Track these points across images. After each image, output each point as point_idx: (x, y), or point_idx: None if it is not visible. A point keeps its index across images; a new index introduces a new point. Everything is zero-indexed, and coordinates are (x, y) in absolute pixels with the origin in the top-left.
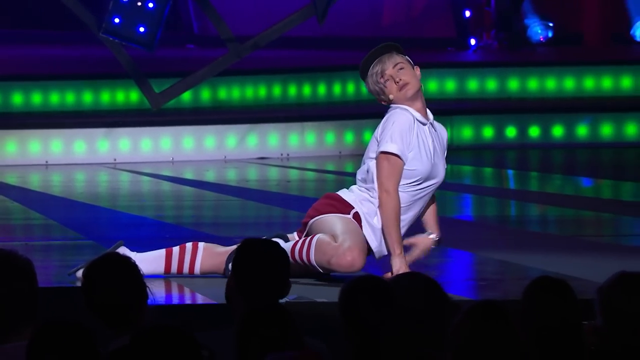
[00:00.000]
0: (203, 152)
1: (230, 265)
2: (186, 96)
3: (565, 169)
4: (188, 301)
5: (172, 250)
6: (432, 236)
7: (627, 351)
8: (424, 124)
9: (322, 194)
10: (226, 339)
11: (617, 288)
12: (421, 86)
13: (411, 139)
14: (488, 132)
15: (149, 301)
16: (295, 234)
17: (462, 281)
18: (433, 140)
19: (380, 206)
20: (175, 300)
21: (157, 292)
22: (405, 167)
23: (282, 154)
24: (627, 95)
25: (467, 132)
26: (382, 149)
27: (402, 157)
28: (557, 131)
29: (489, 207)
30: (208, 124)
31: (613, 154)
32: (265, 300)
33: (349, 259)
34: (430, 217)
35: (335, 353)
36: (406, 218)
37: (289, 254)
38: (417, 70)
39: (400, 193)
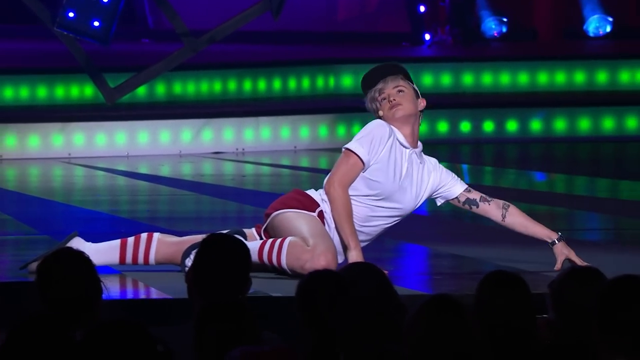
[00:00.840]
0: (158, 146)
1: (187, 260)
2: (141, 91)
3: (519, 163)
4: (143, 296)
5: (126, 240)
6: (555, 240)
7: (578, 345)
8: (406, 147)
9: (277, 188)
10: (183, 334)
11: (568, 282)
12: (417, 115)
13: (380, 149)
14: (442, 126)
15: (103, 296)
16: (253, 229)
17: (417, 275)
18: (410, 167)
19: (330, 201)
20: (130, 295)
21: (112, 286)
22: (368, 176)
23: (237, 149)
24: (580, 90)
25: (421, 127)
26: (348, 145)
27: (363, 162)
28: (511, 126)
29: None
30: (163, 119)
31: (566, 149)
32: (225, 296)
33: (323, 263)
34: (536, 228)
35: (292, 347)
36: (362, 231)
37: (257, 255)
38: (422, 102)
39: (358, 204)
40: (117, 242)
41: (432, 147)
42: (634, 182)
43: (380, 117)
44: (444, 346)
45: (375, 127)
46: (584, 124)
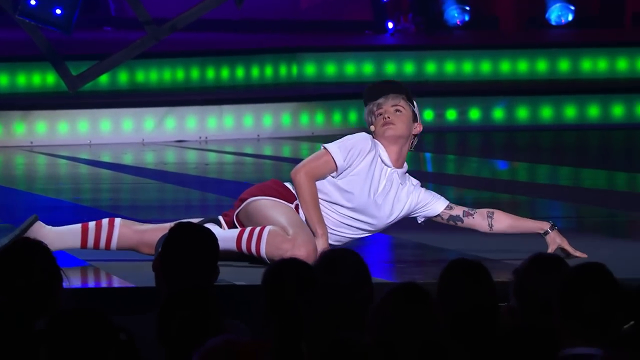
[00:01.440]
0: (121, 135)
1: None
2: (103, 79)
3: (481, 151)
4: (105, 284)
5: (87, 225)
6: (547, 230)
7: (536, 331)
8: (387, 166)
9: (241, 177)
10: (147, 323)
11: (531, 269)
12: (409, 138)
13: (357, 161)
14: None
15: (64, 285)
16: (220, 217)
17: (381, 263)
18: (388, 185)
19: (296, 188)
20: (92, 283)
21: (73, 275)
22: (342, 186)
23: (200, 137)
24: (542, 79)
25: None
26: (327, 145)
27: (337, 166)
28: (474, 114)
29: None
30: (126, 107)
31: (529, 137)
32: (192, 285)
33: (303, 254)
34: (526, 224)
35: (258, 336)
36: (330, 233)
37: (235, 243)
38: (419, 127)
39: (330, 210)
40: (78, 226)
41: None
42: (596, 170)
43: (371, 132)
44: (410, 335)
45: (359, 139)
46: (546, 113)
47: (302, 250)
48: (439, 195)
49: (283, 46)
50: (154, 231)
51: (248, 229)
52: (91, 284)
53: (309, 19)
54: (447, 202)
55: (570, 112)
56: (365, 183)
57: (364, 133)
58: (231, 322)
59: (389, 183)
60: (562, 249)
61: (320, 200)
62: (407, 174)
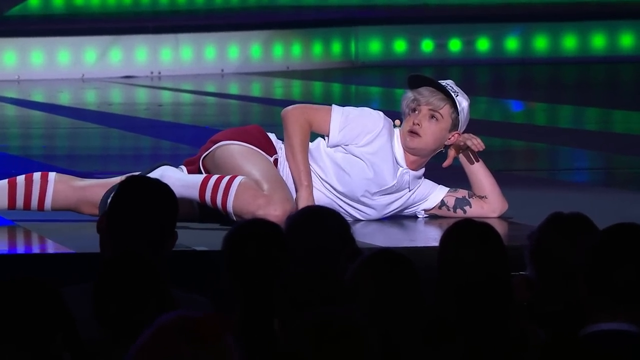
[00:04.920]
0: (55, 69)
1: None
2: (34, 1)
3: (491, 89)
4: (38, 250)
5: (15, 180)
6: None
7: (560, 305)
8: (398, 164)
9: (201, 120)
10: (86, 294)
11: (550, 232)
12: (433, 151)
13: (356, 140)
14: (400, 46)
15: None
16: (183, 167)
17: (366, 225)
18: (394, 186)
19: (286, 124)
20: (22, 248)
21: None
22: (339, 158)
23: (152, 72)
24: (564, 1)
25: (374, 46)
26: (336, 107)
27: (329, 133)
28: (482, 44)
29: None
30: (62, 35)
31: (548, 71)
32: (144, 251)
33: (279, 213)
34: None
35: (221, 310)
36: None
37: (197, 191)
38: (453, 137)
39: (320, 187)
40: (4, 182)
41: (388, 70)
42: (629, 112)
43: (397, 126)
44: (393, 307)
45: (371, 119)
46: (570, 42)
47: (277, 209)
48: (438, 185)
49: None
50: (97, 187)
51: (215, 177)
52: (20, 249)
53: None
54: (447, 189)
55: (598, 41)
56: (367, 171)
57: (381, 114)
58: (188, 296)
59: (397, 184)
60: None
61: (312, 172)
62: (420, 179)
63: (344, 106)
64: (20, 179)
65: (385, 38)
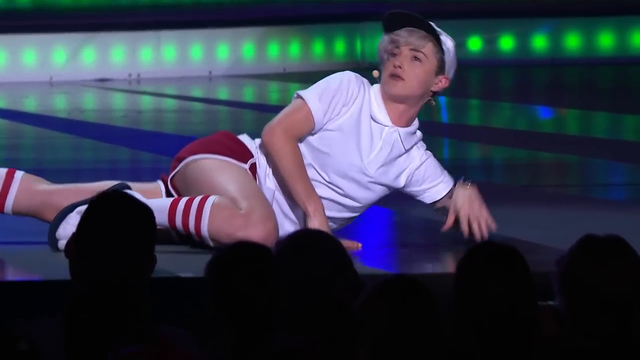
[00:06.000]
0: (19, 70)
1: (64, 225)
2: None
3: (516, 94)
4: (7, 278)
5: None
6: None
7: (593, 339)
8: (380, 124)
9: (186, 129)
10: (55, 327)
11: (581, 256)
12: (422, 97)
13: (343, 110)
14: None
15: None
16: (159, 182)
17: (376, 249)
18: (385, 147)
19: (273, 154)
20: None
21: None
22: (312, 139)
23: (130, 75)
24: None
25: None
26: (302, 93)
27: (315, 122)
28: (506, 43)
29: None
30: (27, 32)
31: (581, 74)
32: (120, 277)
33: (261, 234)
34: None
35: (206, 344)
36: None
37: (166, 217)
38: (443, 81)
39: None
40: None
41: None
42: None
43: (377, 77)
44: (408, 342)
45: (345, 80)
46: (605, 41)
47: (258, 229)
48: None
49: None
50: (67, 191)
51: (185, 199)
52: None
53: None
54: (452, 181)
55: (637, 39)
56: (350, 140)
57: (348, 72)
58: (170, 330)
59: (386, 146)
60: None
61: None
62: (416, 134)
63: (311, 89)
64: None
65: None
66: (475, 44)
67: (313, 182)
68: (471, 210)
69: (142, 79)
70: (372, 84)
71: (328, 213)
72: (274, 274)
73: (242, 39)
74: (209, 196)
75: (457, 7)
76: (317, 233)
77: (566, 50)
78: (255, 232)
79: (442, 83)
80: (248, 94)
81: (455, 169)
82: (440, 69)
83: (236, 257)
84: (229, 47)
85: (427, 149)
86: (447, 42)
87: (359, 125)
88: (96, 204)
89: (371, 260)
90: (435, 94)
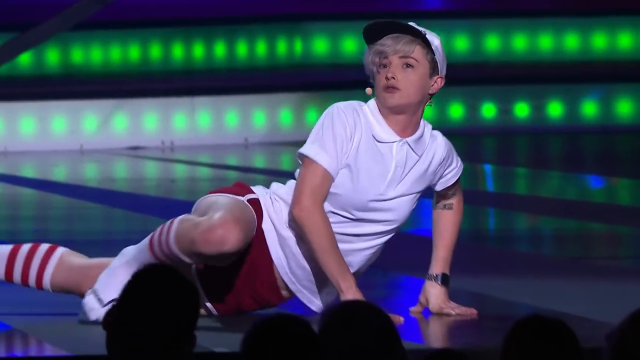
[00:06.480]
0: (49, 138)
1: (98, 294)
2: (25, 59)
3: (565, 162)
4: (33, 353)
5: (19, 248)
6: (439, 275)
7: None
8: (387, 142)
9: None
10: None
11: (633, 332)
12: (422, 102)
13: (348, 147)
14: (456, 110)
15: None
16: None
17: (417, 321)
18: (399, 164)
19: (304, 232)
20: (17, 351)
21: None
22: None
23: (163, 142)
24: None
25: (425, 111)
26: (306, 152)
27: (330, 172)
28: (554, 109)
29: None
30: (57, 99)
31: (634, 142)
32: (160, 355)
33: (219, 232)
34: (441, 242)
35: None
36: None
37: (148, 250)
38: (438, 82)
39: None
40: (7, 248)
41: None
42: None
43: (370, 95)
44: None
45: (337, 117)
46: None
47: (216, 230)
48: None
49: (282, 13)
50: (104, 266)
51: (159, 227)
52: (16, 351)
53: None
54: (462, 166)
55: None
56: (360, 173)
57: (336, 107)
58: None
59: (400, 162)
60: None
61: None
62: (424, 134)
63: (311, 142)
64: (25, 248)
65: (438, 102)
66: (522, 110)
67: (342, 224)
68: (444, 306)
69: (176, 147)
70: (365, 101)
71: (371, 243)
72: (315, 348)
73: (279, 104)
74: (177, 217)
75: (503, 70)
76: (365, 305)
77: (617, 117)
78: (212, 232)
79: (437, 84)
80: (286, 161)
81: (503, 240)
82: (434, 69)
83: (273, 331)
84: (265, 113)
85: (433, 128)
86: (434, 40)
87: (366, 154)
88: (139, 276)
89: (413, 334)
90: (430, 96)
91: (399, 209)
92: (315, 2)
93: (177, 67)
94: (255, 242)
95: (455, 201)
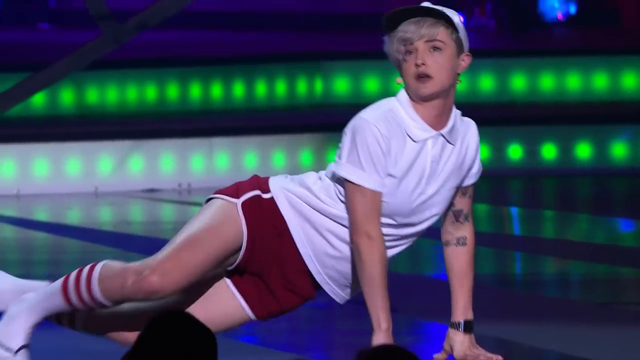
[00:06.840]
0: (63, 180)
1: None
2: (39, 99)
3: (593, 205)
4: None
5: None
6: (463, 322)
7: None
8: (416, 141)
9: None
10: None
11: None
12: (451, 86)
13: (383, 158)
14: (482, 152)
15: None
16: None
17: None
18: (434, 160)
19: (359, 257)
20: None
21: None
22: None
23: (180, 184)
24: None
25: None
26: (348, 176)
27: (378, 190)
28: (582, 151)
29: (485, 261)
30: (71, 140)
31: None
32: None
33: (155, 279)
34: (461, 289)
35: None
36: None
37: (60, 294)
38: (466, 60)
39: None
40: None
41: None
42: None
43: (400, 80)
44: None
45: (368, 132)
46: None
47: (153, 279)
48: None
49: (302, 51)
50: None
51: (76, 270)
52: None
53: (340, 12)
54: (474, 180)
55: None
56: (398, 179)
57: (363, 119)
58: None
59: (436, 156)
60: None
61: (339, 224)
62: (455, 126)
63: (346, 164)
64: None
65: None
66: (549, 151)
67: (391, 228)
68: (469, 353)
69: (193, 189)
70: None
71: (411, 239)
72: None
73: (299, 145)
74: (98, 262)
75: (529, 111)
76: (402, 351)
77: None
78: (147, 281)
79: (465, 61)
80: None
81: (530, 285)
82: (460, 48)
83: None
84: (285, 154)
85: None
86: (454, 17)
87: (404, 158)
88: (153, 326)
89: None
90: (459, 75)
91: (440, 203)
92: (336, 41)
93: (195, 107)
94: (273, 235)
95: (467, 233)
